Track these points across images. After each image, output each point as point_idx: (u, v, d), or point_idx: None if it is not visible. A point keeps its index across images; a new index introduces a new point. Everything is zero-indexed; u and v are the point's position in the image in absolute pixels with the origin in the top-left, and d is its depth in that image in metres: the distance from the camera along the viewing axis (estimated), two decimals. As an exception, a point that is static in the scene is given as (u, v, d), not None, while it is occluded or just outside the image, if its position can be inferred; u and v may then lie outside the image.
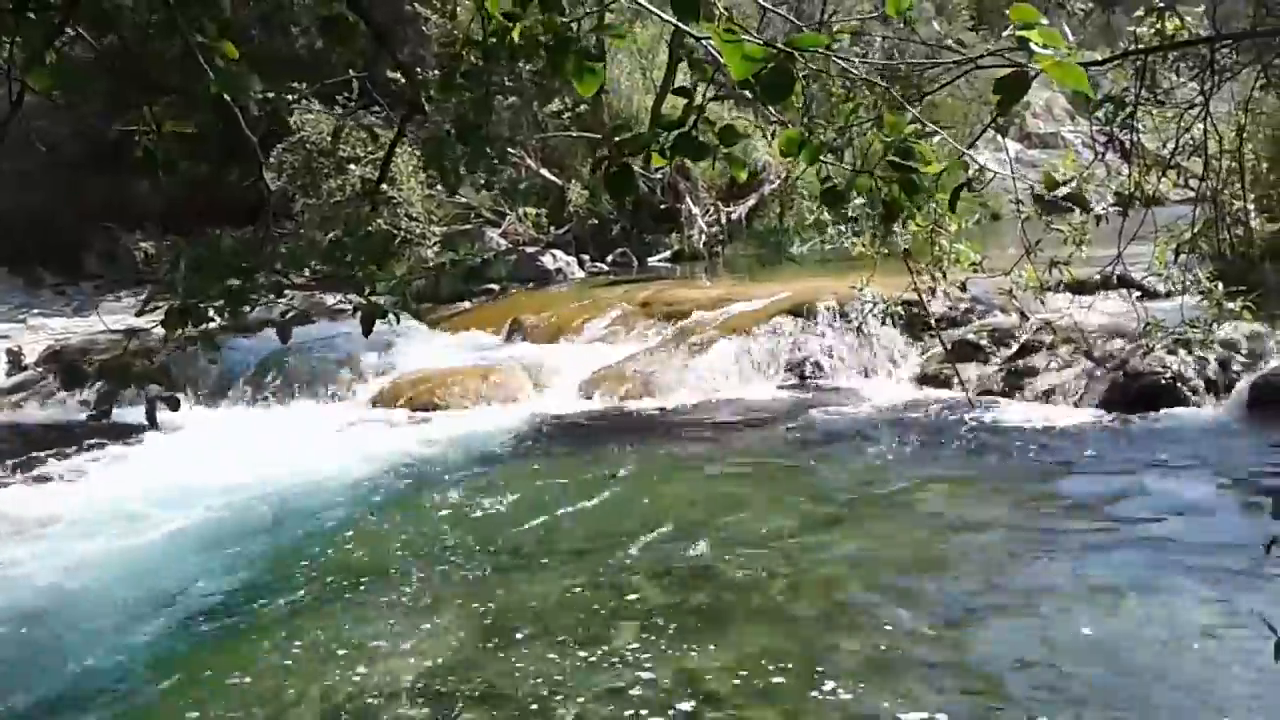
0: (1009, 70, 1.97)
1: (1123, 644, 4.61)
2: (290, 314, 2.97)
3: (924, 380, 9.67)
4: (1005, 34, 1.92)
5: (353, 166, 15.02)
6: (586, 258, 17.37)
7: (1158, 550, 5.61)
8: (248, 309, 2.94)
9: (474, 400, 10.22)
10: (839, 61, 2.23)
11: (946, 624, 4.96)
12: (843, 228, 4.82)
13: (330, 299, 13.90)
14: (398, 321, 3.68)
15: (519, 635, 5.05)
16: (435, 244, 15.41)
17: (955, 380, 9.12)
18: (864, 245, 4.29)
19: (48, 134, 17.27)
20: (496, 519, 6.94)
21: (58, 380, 11.99)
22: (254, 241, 3.09)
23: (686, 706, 4.31)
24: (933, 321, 9.57)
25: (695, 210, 17.81)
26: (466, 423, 9.58)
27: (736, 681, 4.47)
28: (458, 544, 6.49)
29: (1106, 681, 4.29)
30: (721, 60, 2.01)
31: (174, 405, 2.93)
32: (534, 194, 17.16)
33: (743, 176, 2.41)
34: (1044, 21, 1.94)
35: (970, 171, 2.37)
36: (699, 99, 2.25)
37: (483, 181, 14.63)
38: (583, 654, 4.79)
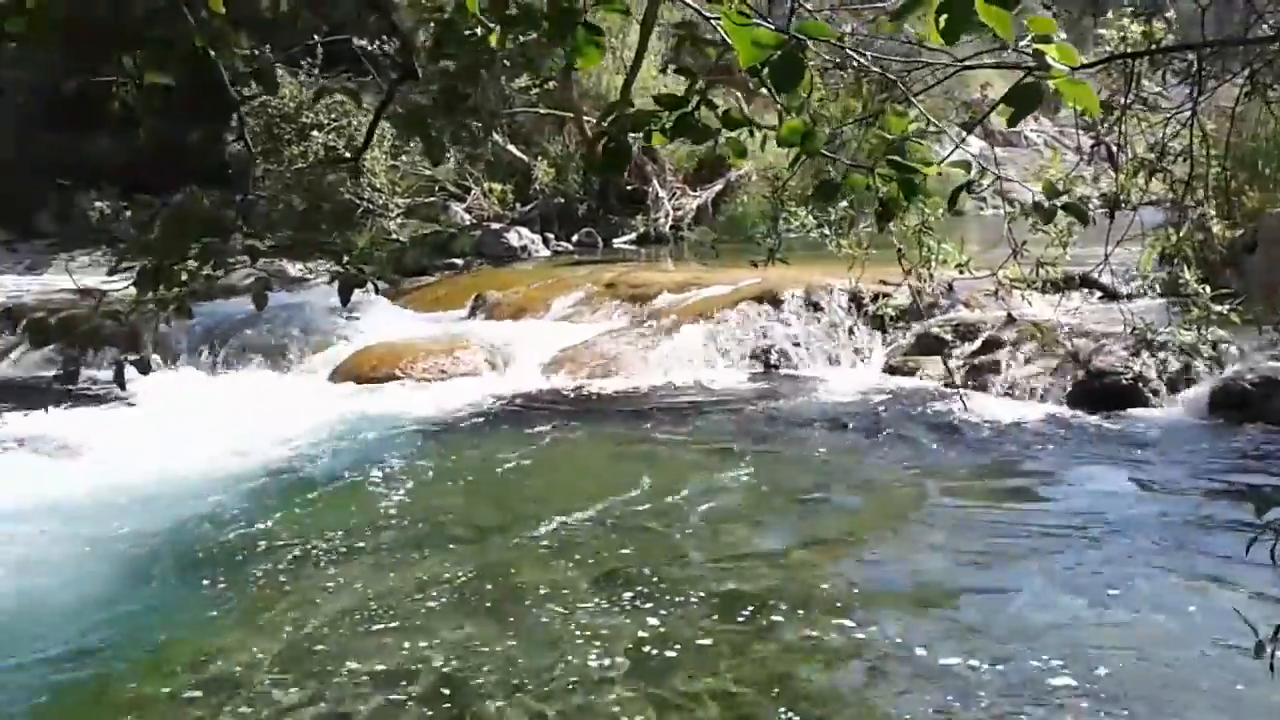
0: (1022, 77, 1.92)
1: (1098, 641, 4.57)
2: (262, 279, 2.87)
3: (891, 371, 9.70)
4: (1023, 43, 1.86)
5: (315, 133, 14.76)
6: (551, 236, 17.23)
7: (1129, 548, 5.59)
8: (221, 272, 2.84)
9: (434, 375, 10.09)
10: (853, 55, 2.19)
11: (913, 612, 4.93)
12: (826, 230, 4.74)
13: (292, 268, 13.69)
14: (376, 291, 3.61)
15: (487, 608, 4.99)
16: (397, 216, 15.21)
17: (945, 367, 9.11)
18: (849, 246, 4.24)
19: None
20: (448, 496, 6.87)
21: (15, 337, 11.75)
22: (231, 203, 2.98)
23: (619, 680, 4.26)
24: (922, 312, 9.55)
25: (662, 193, 17.72)
26: (426, 398, 9.45)
27: (679, 653, 4.42)
28: (407, 518, 6.40)
29: (1083, 678, 4.23)
30: (730, 43, 1.95)
31: (144, 368, 2.82)
32: (501, 170, 17.00)
33: (742, 165, 2.36)
34: (1061, 35, 1.90)
35: (973, 172, 2.33)
36: (700, 82, 2.19)
37: (464, 154, 14.40)
38: (514, 631, 4.74)
